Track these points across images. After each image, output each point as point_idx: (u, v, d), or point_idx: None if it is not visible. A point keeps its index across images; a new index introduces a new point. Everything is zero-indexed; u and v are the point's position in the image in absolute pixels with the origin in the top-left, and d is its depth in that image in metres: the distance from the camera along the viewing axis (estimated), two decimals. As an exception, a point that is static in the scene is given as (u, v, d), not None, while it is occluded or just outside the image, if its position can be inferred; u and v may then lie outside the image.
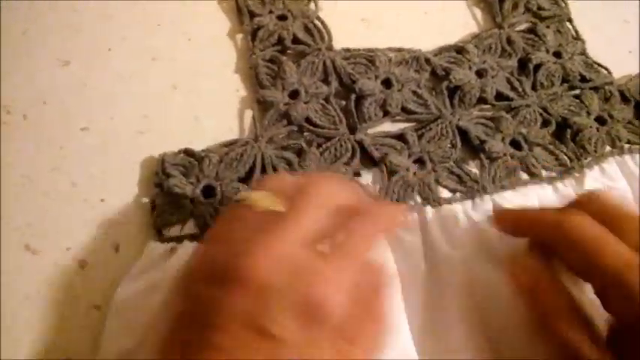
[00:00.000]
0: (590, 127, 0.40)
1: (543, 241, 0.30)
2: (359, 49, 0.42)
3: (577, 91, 0.43)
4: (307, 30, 0.43)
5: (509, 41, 0.45)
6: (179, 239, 0.34)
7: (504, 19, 0.46)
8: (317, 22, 0.44)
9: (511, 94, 0.42)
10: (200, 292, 0.24)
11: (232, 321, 0.22)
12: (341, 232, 0.26)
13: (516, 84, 0.42)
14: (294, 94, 0.40)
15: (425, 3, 0.48)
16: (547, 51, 0.44)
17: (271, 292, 0.23)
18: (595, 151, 0.39)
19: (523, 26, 0.47)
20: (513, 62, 0.43)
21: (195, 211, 0.34)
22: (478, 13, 0.48)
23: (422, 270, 0.34)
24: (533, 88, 0.43)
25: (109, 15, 0.44)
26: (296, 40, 0.43)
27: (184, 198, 0.34)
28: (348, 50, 0.42)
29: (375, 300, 0.26)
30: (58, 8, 0.44)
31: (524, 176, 0.38)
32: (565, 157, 0.39)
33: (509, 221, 0.32)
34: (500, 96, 0.42)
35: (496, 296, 0.34)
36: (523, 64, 0.44)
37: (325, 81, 0.41)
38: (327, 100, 0.40)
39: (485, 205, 0.36)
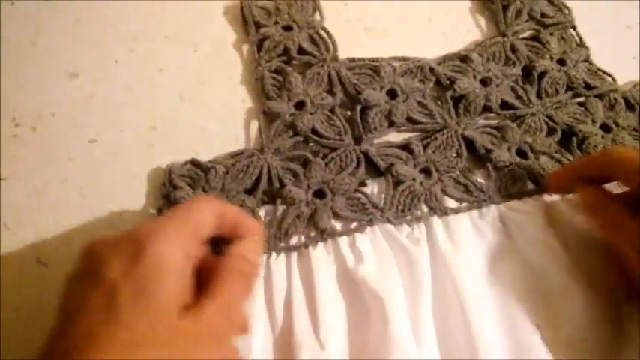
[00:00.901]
0: (596, 135, 0.40)
1: (595, 177, 0.35)
2: (364, 59, 0.43)
3: (582, 99, 0.43)
4: (312, 40, 0.43)
5: (513, 49, 0.45)
6: (187, 251, 0.34)
7: (508, 27, 0.46)
8: (322, 32, 0.44)
9: (516, 103, 0.42)
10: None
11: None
12: None
13: (521, 92, 0.42)
14: (299, 105, 0.40)
15: (428, 11, 0.48)
16: (551, 58, 0.44)
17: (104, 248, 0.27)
18: (601, 159, 0.39)
19: (527, 34, 0.47)
20: (517, 70, 0.43)
21: (201, 223, 0.35)
22: (482, 20, 0.48)
23: (428, 280, 0.34)
24: (538, 96, 0.43)
25: (115, 27, 0.44)
26: (301, 51, 0.43)
27: (191, 210, 0.35)
28: (352, 60, 0.42)
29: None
30: (66, 21, 0.44)
31: (531, 185, 0.38)
32: (571, 166, 0.39)
33: (562, 178, 0.37)
34: (505, 104, 0.42)
35: (507, 304, 0.34)
36: (527, 72, 0.44)
37: (330, 92, 0.41)
38: (332, 110, 0.40)
39: (492, 214, 0.37)
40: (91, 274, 0.27)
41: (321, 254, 0.34)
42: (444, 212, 0.36)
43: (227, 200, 0.35)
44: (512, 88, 0.43)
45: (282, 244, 0.35)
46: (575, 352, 0.33)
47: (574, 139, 0.40)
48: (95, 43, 0.43)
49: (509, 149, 0.39)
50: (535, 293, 0.35)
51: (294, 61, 0.43)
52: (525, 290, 0.35)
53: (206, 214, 0.30)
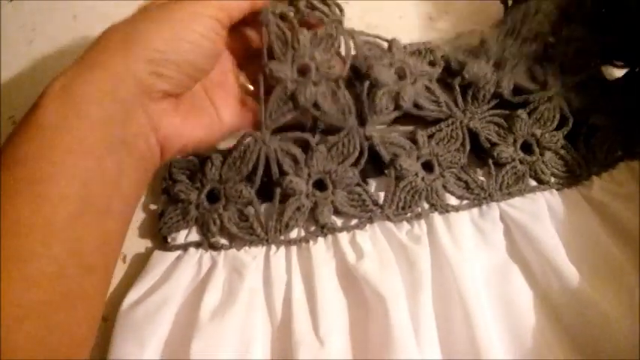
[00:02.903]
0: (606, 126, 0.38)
1: None
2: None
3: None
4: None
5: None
6: (184, 247, 0.34)
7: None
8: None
9: (531, 87, 0.39)
10: None
11: None
12: None
13: (538, 73, 0.39)
14: (303, 70, 0.36)
15: (430, 9, 0.46)
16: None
17: None
18: (605, 158, 0.38)
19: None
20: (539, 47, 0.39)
21: (199, 217, 0.34)
22: (485, 19, 0.44)
23: (428, 278, 0.34)
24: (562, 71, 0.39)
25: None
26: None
27: (189, 204, 0.34)
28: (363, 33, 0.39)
29: None
30: (63, 18, 0.43)
31: (532, 182, 0.38)
32: (574, 163, 0.38)
33: None
34: (517, 90, 0.39)
35: (507, 302, 0.35)
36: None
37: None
38: (337, 83, 0.37)
39: (492, 212, 0.36)
40: None
41: (321, 249, 0.35)
42: (444, 209, 0.36)
43: (225, 190, 0.34)
44: (529, 69, 0.39)
45: (282, 238, 0.35)
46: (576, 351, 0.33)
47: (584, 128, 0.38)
48: (92, 40, 0.39)
49: (514, 142, 0.38)
50: (536, 291, 0.35)
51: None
52: (526, 288, 0.35)
53: None
